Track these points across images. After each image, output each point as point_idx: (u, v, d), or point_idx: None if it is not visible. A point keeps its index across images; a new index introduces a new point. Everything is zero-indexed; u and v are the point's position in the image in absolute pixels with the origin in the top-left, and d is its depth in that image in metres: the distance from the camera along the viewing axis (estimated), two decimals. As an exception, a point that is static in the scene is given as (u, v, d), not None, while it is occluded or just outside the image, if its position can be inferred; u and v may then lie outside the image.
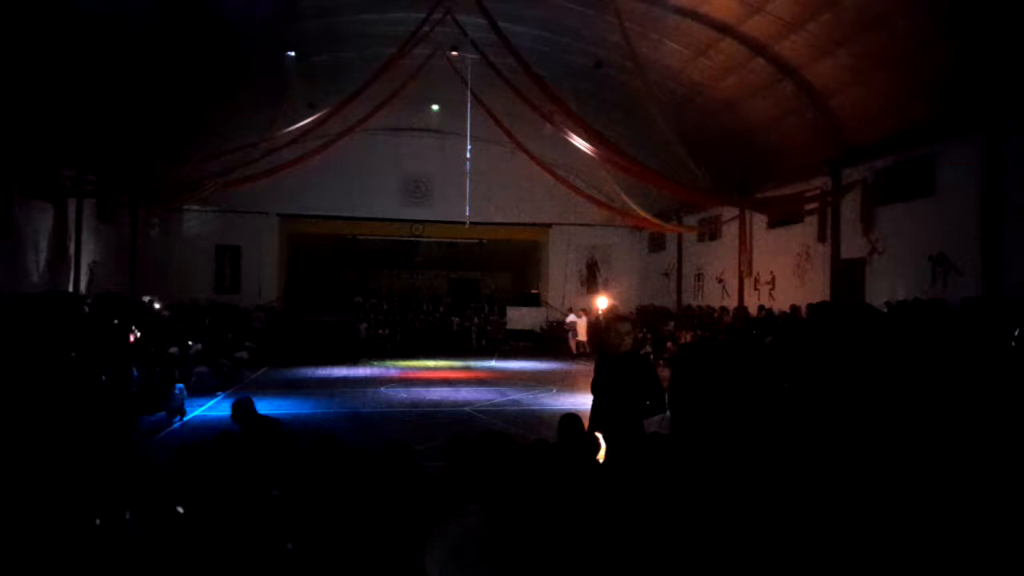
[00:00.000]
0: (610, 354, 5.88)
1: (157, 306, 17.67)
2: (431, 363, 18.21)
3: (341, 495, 4.09)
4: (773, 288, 16.20)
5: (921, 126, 11.31)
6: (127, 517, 3.64)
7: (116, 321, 12.89)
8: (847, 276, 13.59)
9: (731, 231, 17.84)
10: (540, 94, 13.23)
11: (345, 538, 3.84)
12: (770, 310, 15.41)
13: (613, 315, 19.36)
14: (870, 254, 13.01)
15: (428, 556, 2.40)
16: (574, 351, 19.84)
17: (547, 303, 23.12)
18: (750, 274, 17.05)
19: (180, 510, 3.82)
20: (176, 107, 15.77)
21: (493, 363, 18.56)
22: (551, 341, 21.60)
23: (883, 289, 12.37)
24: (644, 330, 18.39)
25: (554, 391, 13.65)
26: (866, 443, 6.67)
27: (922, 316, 10.04)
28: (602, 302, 20.75)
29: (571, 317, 20.45)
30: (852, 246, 13.53)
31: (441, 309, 23.11)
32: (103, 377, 9.14)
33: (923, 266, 11.54)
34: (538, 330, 22.48)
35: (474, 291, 25.95)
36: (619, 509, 3.76)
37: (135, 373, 10.30)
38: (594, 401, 5.88)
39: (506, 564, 2.51)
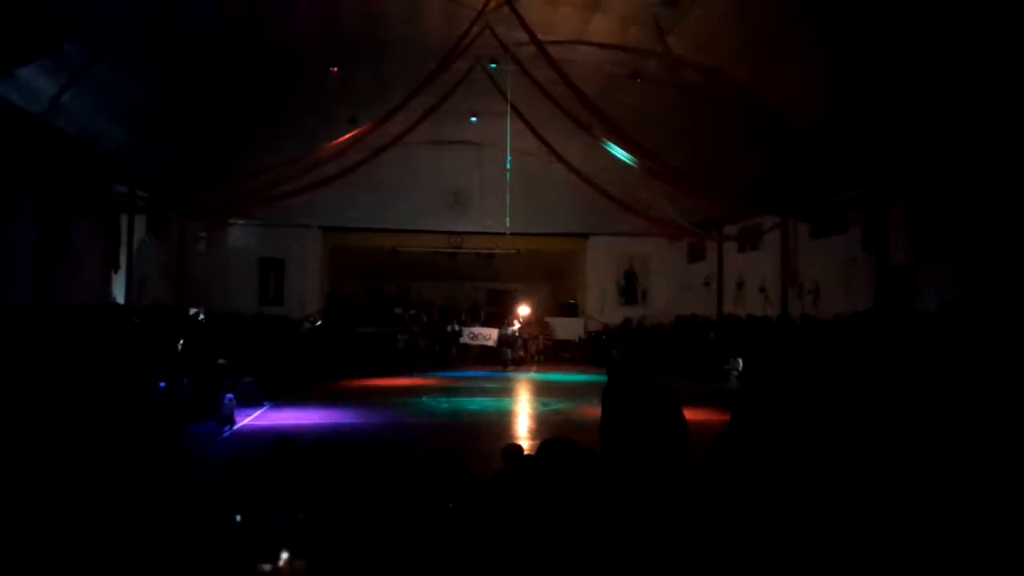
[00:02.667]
0: (622, 372, 5.70)
1: (203, 318, 18.11)
2: (471, 374, 18.27)
3: (396, 501, 4.14)
4: (817, 297, 15.92)
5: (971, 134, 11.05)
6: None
7: (165, 333, 13.26)
8: (894, 285, 13.30)
9: (773, 240, 17.59)
10: (578, 105, 13.29)
11: (405, 544, 3.89)
12: (814, 319, 15.13)
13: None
14: (919, 263, 12.71)
15: (495, 560, 2.45)
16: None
17: (585, 313, 23.06)
18: (793, 283, 16.79)
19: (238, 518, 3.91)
20: (221, 124, 16.23)
21: (532, 373, 18.55)
22: (590, 351, 21.53)
23: (934, 298, 12.06)
24: None
25: (594, 401, 13.57)
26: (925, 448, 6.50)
27: (979, 317, 9.74)
28: (523, 310, 21.43)
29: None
30: (900, 254, 13.24)
31: (480, 319, 23.14)
32: (158, 388, 9.39)
33: (974, 274, 11.23)
34: (576, 340, 22.42)
35: (512, 302, 25.95)
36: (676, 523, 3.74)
37: (186, 384, 10.57)
38: (605, 426, 5.57)
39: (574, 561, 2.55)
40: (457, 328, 20.55)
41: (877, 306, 13.45)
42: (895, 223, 13.35)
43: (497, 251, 23.41)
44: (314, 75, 15.05)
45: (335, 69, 14.80)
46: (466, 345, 20.60)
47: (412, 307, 22.52)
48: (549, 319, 22.94)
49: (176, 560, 3.63)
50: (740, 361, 15.81)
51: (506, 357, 19.60)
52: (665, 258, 23.18)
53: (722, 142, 13.35)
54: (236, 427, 10.30)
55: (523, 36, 12.05)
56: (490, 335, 20.33)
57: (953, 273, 11.89)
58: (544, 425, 11.14)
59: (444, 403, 13.47)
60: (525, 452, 5.20)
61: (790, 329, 15.33)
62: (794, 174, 15.31)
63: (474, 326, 21.21)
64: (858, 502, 4.46)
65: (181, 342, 13.16)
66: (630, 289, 23.42)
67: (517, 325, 20.34)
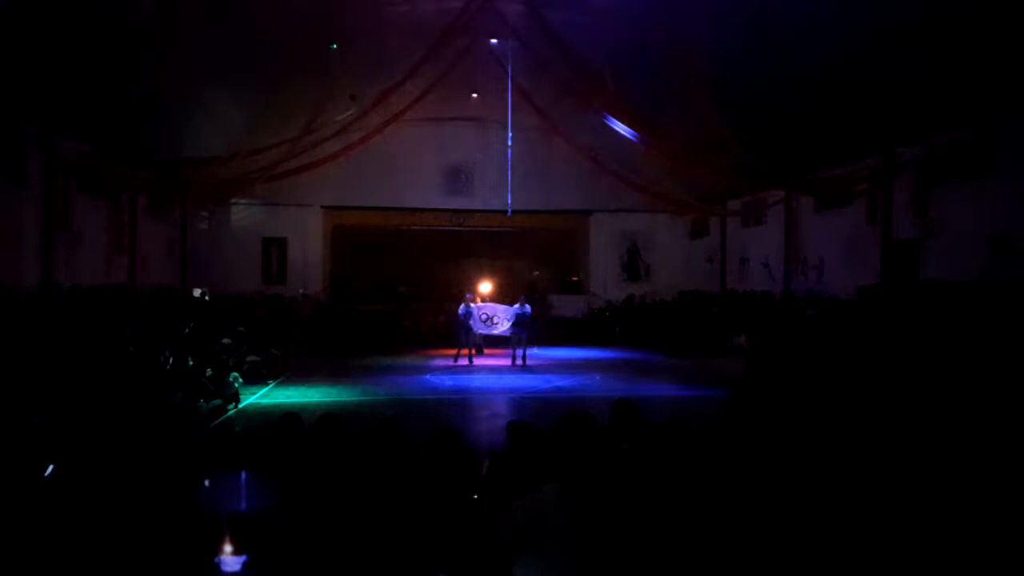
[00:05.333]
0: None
1: (207, 298, 18.18)
2: (475, 351, 18.27)
3: (397, 477, 4.17)
4: (821, 272, 15.89)
5: (980, 103, 10.93)
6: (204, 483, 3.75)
7: (171, 313, 13.32)
8: (899, 259, 13.26)
9: (777, 214, 17.52)
10: (580, 80, 13.18)
11: (403, 519, 3.92)
12: (819, 295, 15.12)
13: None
14: (924, 236, 12.66)
15: (502, 530, 2.48)
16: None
17: (588, 291, 23.06)
18: (797, 258, 16.74)
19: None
20: (222, 103, 16.11)
21: (535, 350, 18.57)
22: (593, 328, 21.55)
23: (937, 272, 12.04)
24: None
25: (597, 378, 13.64)
26: (929, 429, 6.53)
27: (985, 298, 9.74)
28: (485, 287, 19.24)
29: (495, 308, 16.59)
30: (904, 228, 13.18)
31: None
32: (165, 367, 9.45)
33: (981, 248, 11.19)
34: (580, 317, 22.44)
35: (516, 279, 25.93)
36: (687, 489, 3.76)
37: (190, 362, 10.62)
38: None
39: (580, 538, 2.57)
40: (467, 310, 15.96)
41: (882, 280, 13.43)
42: (900, 195, 13.28)
43: (500, 229, 23.35)
44: (314, 52, 14.89)
45: (335, 45, 14.64)
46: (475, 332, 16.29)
47: (415, 286, 22.55)
48: (552, 296, 22.93)
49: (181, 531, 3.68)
50: (743, 337, 15.82)
51: (522, 341, 15.47)
52: (668, 234, 23.12)
53: (726, 115, 13.20)
54: (241, 405, 10.37)
55: (523, 9, 11.91)
56: (504, 317, 16.11)
57: (957, 246, 11.85)
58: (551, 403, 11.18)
59: (448, 380, 13.52)
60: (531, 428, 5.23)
61: (794, 305, 15.32)
62: (799, 146, 15.19)
63: (484, 304, 16.78)
64: (862, 479, 4.51)
65: (186, 321, 13.21)
66: (633, 265, 23.39)
67: (477, 304, 16.33)
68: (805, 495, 4.32)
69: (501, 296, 19.64)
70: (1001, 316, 8.93)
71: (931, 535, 4.02)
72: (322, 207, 21.46)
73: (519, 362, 15.40)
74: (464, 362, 15.61)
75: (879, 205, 13.83)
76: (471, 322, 15.68)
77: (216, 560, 3.29)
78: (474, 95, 18.66)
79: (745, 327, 15.75)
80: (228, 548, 3.44)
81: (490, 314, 16.25)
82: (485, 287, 19.64)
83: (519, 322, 15.50)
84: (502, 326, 16.00)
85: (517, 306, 15.76)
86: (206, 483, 4.12)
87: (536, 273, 24.77)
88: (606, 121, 14.26)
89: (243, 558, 3.24)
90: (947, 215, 12.16)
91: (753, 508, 3.85)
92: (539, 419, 8.50)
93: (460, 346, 15.88)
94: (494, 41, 14.24)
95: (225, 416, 9.62)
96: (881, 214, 13.76)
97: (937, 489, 4.68)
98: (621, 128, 14.22)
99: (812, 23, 12.02)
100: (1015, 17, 9.47)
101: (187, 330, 12.69)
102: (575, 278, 23.71)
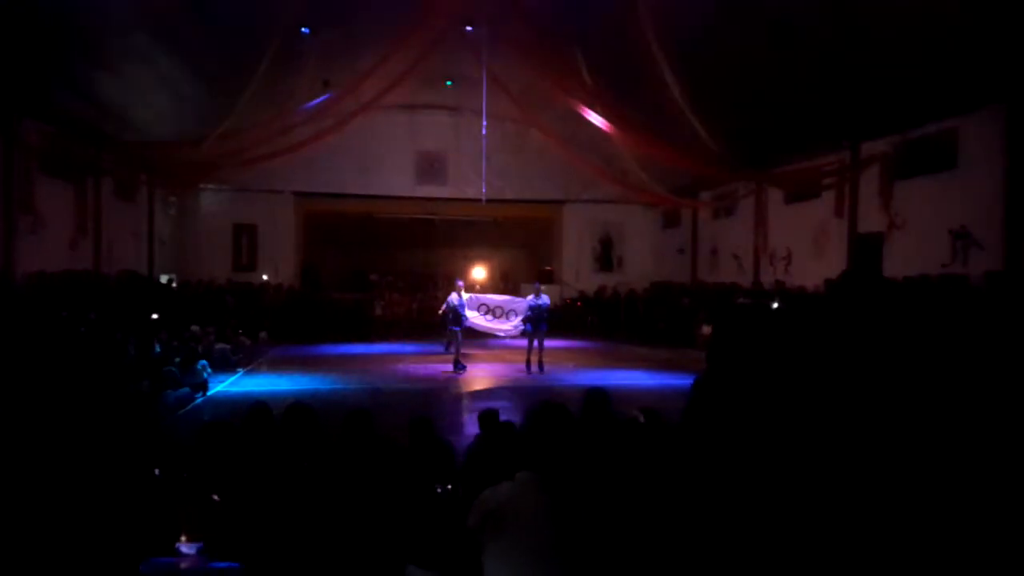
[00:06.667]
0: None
1: (175, 284, 17.88)
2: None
3: (369, 467, 4.16)
4: (789, 264, 16.13)
5: (943, 98, 11.15)
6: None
7: (138, 300, 13.08)
8: (865, 251, 13.51)
9: (747, 206, 17.71)
10: (554, 67, 13.15)
11: (372, 511, 3.91)
12: (784, 285, 15.35)
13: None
14: (889, 229, 12.91)
15: (473, 516, 2.50)
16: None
17: (561, 280, 23.12)
18: (766, 250, 16.97)
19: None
20: (191, 85, 15.78)
21: (509, 340, 18.59)
22: (566, 318, 21.61)
23: (902, 264, 12.29)
24: None
25: (571, 367, 13.71)
26: (883, 428, 6.66)
27: (943, 293, 9.98)
28: (479, 272, 17.24)
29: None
30: (870, 221, 13.43)
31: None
32: (127, 355, 9.29)
33: (944, 241, 11.45)
34: (553, 307, 22.47)
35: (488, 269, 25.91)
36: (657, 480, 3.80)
37: (157, 349, 10.46)
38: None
39: (553, 526, 2.60)
40: (457, 302, 12.76)
41: (846, 272, 13.67)
42: (867, 189, 13.52)
43: (474, 219, 23.27)
44: (285, 35, 14.65)
45: (307, 30, 14.42)
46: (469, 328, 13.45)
47: (388, 274, 22.41)
48: (525, 286, 22.94)
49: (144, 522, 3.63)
50: (708, 327, 16.01)
51: (540, 337, 12.55)
52: (641, 225, 23.27)
53: (700, 104, 13.27)
54: (209, 393, 10.23)
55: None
56: (513, 309, 13.36)
57: (921, 239, 12.11)
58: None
59: (421, 369, 13.47)
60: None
61: (761, 297, 15.53)
62: (768, 138, 15.35)
63: (483, 296, 14.29)
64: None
65: (153, 309, 13.00)
66: (606, 256, 23.50)
67: (465, 295, 13.31)
68: (776, 486, 4.36)
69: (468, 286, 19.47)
70: (957, 310, 9.15)
71: (894, 526, 4.10)
72: (294, 193, 21.19)
73: (535, 368, 12.47)
74: (465, 354, 13.01)
75: (846, 198, 14.07)
76: (464, 311, 12.86)
77: (176, 549, 3.25)
78: (448, 82, 18.52)
79: (711, 317, 15.94)
80: (190, 538, 3.40)
81: (492, 306, 13.52)
82: (479, 273, 17.94)
83: (535, 316, 12.48)
84: (512, 322, 13.23)
85: (532, 297, 12.70)
86: (171, 473, 4.06)
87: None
88: (580, 111, 14.26)
89: (206, 549, 3.21)
90: (911, 208, 12.41)
91: (727, 499, 3.89)
92: (514, 408, 8.56)
93: (454, 345, 12.91)
94: (469, 28, 14.13)
95: (193, 405, 9.49)
96: (848, 207, 14.00)
97: (900, 477, 4.77)
98: (595, 118, 14.23)
99: (783, 15, 12.14)
100: (980, 15, 9.66)
101: (153, 316, 12.48)
102: (548, 268, 23.75)
